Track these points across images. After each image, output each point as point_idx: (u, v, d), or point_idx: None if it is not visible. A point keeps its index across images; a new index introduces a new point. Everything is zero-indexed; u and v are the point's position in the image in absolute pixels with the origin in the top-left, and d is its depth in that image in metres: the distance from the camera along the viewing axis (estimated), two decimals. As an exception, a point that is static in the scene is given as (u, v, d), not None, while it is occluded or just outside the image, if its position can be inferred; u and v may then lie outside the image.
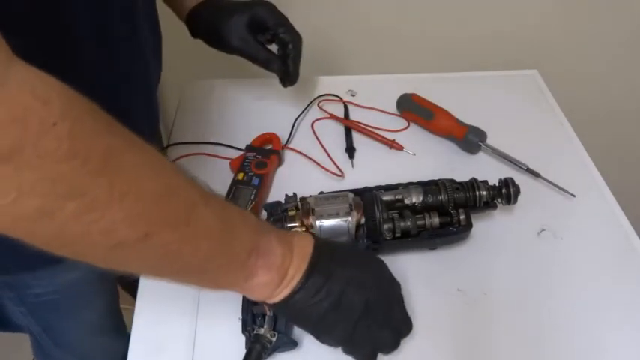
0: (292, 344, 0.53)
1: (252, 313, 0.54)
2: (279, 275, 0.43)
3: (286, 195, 0.61)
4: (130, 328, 0.56)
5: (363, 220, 0.58)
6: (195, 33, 0.70)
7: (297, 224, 0.57)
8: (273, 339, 0.52)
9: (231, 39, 0.66)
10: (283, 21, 0.68)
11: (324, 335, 0.47)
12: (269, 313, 0.53)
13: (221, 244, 0.39)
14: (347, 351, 0.48)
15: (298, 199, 0.60)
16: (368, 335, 0.47)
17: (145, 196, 0.33)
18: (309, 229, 0.57)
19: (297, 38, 0.69)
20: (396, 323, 0.49)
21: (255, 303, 0.54)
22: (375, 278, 0.48)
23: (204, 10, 0.69)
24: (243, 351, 0.52)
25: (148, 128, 0.66)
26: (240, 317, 0.55)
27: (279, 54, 0.69)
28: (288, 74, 0.68)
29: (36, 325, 0.76)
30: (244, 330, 0.53)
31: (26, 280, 0.64)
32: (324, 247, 0.46)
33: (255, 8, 0.67)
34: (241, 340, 0.53)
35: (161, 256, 0.36)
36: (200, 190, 0.38)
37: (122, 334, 0.89)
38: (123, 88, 0.55)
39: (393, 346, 0.49)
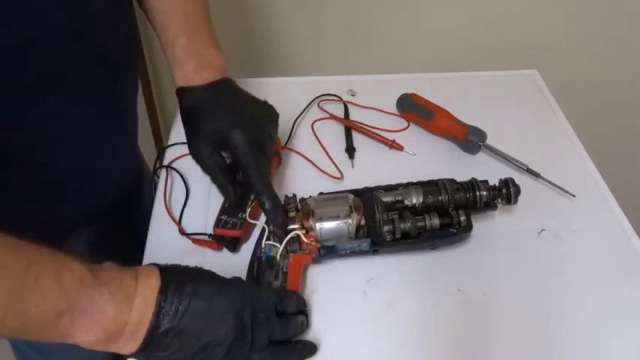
0: None
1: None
2: (109, 334, 0.41)
3: (286, 196, 0.61)
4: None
5: (363, 222, 0.58)
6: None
7: (297, 226, 0.57)
8: None
9: (196, 145, 0.60)
10: (252, 163, 0.58)
11: None
12: None
13: (6, 312, 0.37)
14: None
15: (298, 200, 0.60)
16: None
17: None
18: (309, 231, 0.57)
19: (261, 190, 0.57)
20: (264, 341, 0.47)
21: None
22: (235, 310, 0.46)
23: (185, 97, 0.62)
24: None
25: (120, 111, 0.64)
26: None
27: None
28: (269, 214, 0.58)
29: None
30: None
31: None
32: (173, 289, 0.44)
33: (231, 133, 0.57)
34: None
35: None
36: None
37: None
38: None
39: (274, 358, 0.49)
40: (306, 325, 0.52)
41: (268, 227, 0.58)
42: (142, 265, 0.47)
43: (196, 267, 0.49)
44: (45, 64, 0.48)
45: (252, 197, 0.64)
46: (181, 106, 0.63)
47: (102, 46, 0.55)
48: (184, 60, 0.62)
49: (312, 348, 0.52)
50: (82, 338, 0.41)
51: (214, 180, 0.59)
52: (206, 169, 0.60)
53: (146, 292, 0.43)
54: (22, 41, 0.45)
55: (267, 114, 0.64)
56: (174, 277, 0.45)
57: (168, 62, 0.64)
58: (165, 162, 0.73)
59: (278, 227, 0.57)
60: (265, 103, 0.64)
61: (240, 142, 0.57)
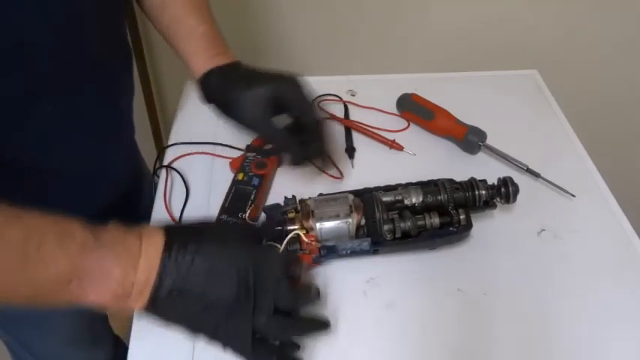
0: (295, 348, 0.52)
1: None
2: (116, 295, 0.41)
3: (285, 197, 0.61)
4: (130, 329, 0.56)
5: (363, 221, 0.58)
6: (207, 99, 0.63)
7: (297, 226, 0.57)
8: (276, 343, 0.51)
9: (244, 114, 0.59)
10: (306, 105, 0.59)
11: (197, 335, 0.46)
12: None
13: (18, 278, 0.38)
14: (225, 345, 0.46)
15: (298, 201, 0.60)
16: (228, 332, 0.45)
17: None
18: (309, 231, 0.57)
19: (319, 127, 0.59)
20: (269, 306, 0.45)
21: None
22: (238, 269, 0.44)
23: (218, 76, 0.61)
24: (243, 351, 0.52)
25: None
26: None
27: (297, 137, 0.61)
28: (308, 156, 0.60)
29: (7, 336, 0.76)
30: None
31: None
32: (176, 248, 0.43)
33: (276, 84, 0.58)
34: (241, 340, 0.53)
35: None
36: None
37: (103, 343, 0.88)
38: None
39: (276, 330, 0.46)
40: (317, 295, 0.49)
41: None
42: (147, 225, 0.47)
43: (203, 222, 0.49)
44: (34, 69, 0.48)
45: (252, 197, 0.64)
46: (211, 86, 0.62)
47: (93, 48, 0.55)
48: (208, 46, 0.63)
49: (324, 324, 0.49)
50: (92, 300, 0.41)
51: (278, 139, 0.59)
52: (266, 129, 0.59)
53: (150, 252, 0.43)
54: (9, 47, 0.45)
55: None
56: (178, 236, 0.44)
57: (183, 54, 0.64)
58: (166, 162, 0.73)
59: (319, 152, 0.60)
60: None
61: (296, 87, 0.58)
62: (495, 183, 0.62)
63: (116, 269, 0.41)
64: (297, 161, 0.61)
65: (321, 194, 0.62)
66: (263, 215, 0.63)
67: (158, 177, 0.71)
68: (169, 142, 0.76)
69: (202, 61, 0.62)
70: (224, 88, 0.61)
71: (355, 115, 0.81)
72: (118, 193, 0.68)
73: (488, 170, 0.66)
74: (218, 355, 0.54)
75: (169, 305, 0.43)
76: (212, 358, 0.54)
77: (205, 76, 0.62)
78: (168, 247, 0.43)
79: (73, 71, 0.52)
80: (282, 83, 0.59)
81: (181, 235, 0.45)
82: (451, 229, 0.59)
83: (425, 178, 0.63)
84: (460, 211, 0.60)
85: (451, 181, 0.62)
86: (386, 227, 0.58)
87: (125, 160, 0.71)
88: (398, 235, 0.58)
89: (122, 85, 0.64)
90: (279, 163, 0.72)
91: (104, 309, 0.43)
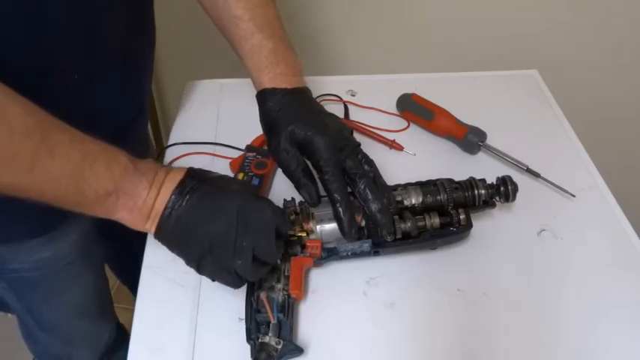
0: (298, 351, 0.53)
1: (256, 322, 0.54)
2: (142, 215, 0.49)
3: (285, 200, 0.60)
4: (130, 327, 0.56)
5: (363, 223, 0.58)
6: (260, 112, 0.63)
7: (297, 228, 0.57)
8: (279, 347, 0.51)
9: (281, 145, 0.58)
10: (331, 169, 0.56)
11: (189, 265, 0.52)
12: (273, 320, 0.53)
13: (69, 189, 0.45)
14: (212, 279, 0.53)
15: (297, 203, 0.60)
16: (214, 267, 0.51)
17: None
18: (309, 233, 0.57)
19: (340, 196, 0.56)
20: (247, 251, 0.50)
21: (259, 311, 0.54)
22: (226, 212, 0.50)
23: (275, 97, 0.60)
24: (243, 350, 0.52)
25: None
26: (241, 318, 0.55)
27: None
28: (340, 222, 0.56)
29: (18, 304, 0.77)
30: (249, 339, 0.53)
31: (2, 253, 0.66)
32: (187, 187, 0.50)
33: (314, 137, 0.57)
34: (241, 339, 0.53)
35: (9, 191, 0.43)
36: (51, 143, 0.44)
37: (108, 319, 0.90)
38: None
39: (247, 273, 0.51)
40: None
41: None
42: (177, 166, 0.54)
43: (221, 175, 0.54)
44: (56, 39, 0.51)
45: None
46: (265, 107, 0.61)
47: (116, 24, 0.58)
48: (273, 63, 0.62)
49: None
50: (121, 215, 0.49)
51: (297, 180, 0.58)
52: (288, 168, 0.59)
53: (168, 185, 0.50)
54: (30, 16, 0.48)
55: (347, 131, 0.63)
56: (193, 177, 0.51)
57: (249, 68, 0.63)
58: (166, 162, 0.73)
59: (387, 230, 0.57)
60: (341, 121, 0.64)
61: (324, 147, 0.57)
62: (495, 182, 0.62)
63: (144, 192, 0.49)
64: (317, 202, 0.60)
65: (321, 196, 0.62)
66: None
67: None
68: (169, 142, 0.76)
69: (267, 78, 0.61)
70: (270, 114, 0.60)
71: (355, 115, 0.81)
72: None
73: (488, 170, 0.66)
74: (218, 353, 0.54)
75: (170, 233, 0.50)
76: (213, 355, 0.54)
77: (261, 93, 0.62)
78: (180, 184, 0.50)
79: (96, 45, 0.55)
80: (317, 138, 0.57)
81: (195, 177, 0.51)
82: (451, 229, 0.59)
83: (425, 178, 0.63)
84: (460, 211, 0.60)
85: (450, 180, 0.62)
86: (386, 228, 0.58)
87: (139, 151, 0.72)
88: (398, 236, 0.58)
89: (145, 67, 0.65)
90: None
91: (128, 225, 0.50)
